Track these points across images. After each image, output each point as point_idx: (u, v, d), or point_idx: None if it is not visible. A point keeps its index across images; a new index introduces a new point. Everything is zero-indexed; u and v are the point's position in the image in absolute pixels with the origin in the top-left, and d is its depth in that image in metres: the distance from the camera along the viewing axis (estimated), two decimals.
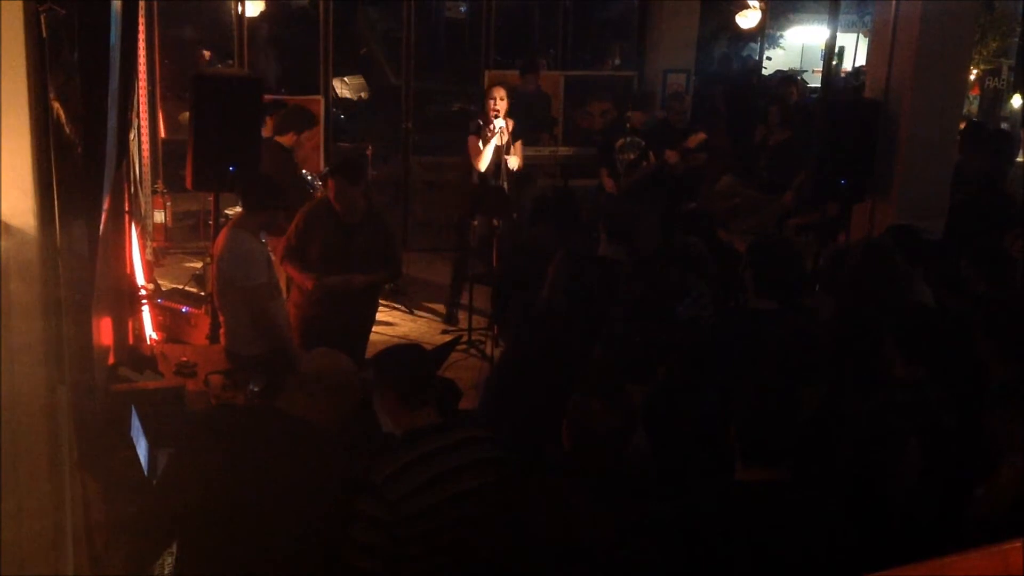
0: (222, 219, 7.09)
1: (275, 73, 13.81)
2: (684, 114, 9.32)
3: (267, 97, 7.62)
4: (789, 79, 11.90)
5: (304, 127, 7.75)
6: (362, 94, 16.00)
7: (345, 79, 15.86)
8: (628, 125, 8.71)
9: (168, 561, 3.52)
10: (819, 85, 14.33)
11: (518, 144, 8.14)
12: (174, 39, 12.74)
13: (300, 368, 3.51)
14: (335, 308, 5.82)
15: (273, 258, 5.73)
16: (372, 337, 6.73)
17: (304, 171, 7.99)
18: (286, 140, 7.56)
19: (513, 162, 8.04)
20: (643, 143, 8.56)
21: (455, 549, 3.32)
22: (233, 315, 5.45)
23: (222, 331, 5.70)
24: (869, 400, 3.85)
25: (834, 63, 13.37)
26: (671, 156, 8.41)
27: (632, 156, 8.54)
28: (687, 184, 8.68)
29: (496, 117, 7.91)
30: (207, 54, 13.08)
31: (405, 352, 3.75)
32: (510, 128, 8.01)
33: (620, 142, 8.64)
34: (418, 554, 3.26)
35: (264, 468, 3.24)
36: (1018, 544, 1.69)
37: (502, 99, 7.99)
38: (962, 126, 8.13)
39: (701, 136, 8.67)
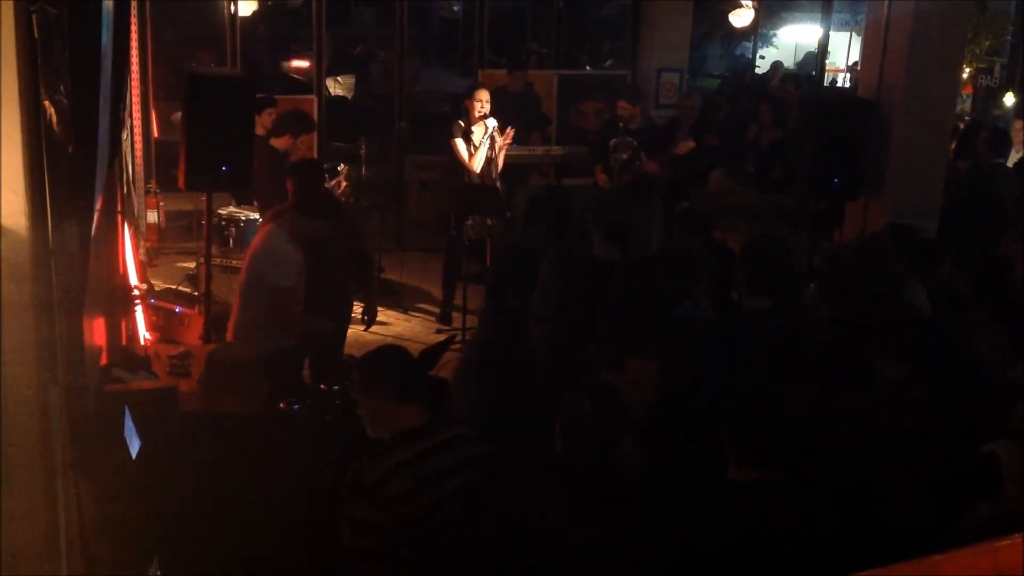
0: (214, 219, 7.06)
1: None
2: (694, 110, 9.27)
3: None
4: (790, 77, 11.67)
5: (300, 131, 7.69)
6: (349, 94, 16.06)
7: (338, 78, 15.85)
8: (617, 113, 8.70)
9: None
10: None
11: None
12: (167, 38, 12.71)
13: (207, 363, 3.55)
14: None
15: None
16: (367, 337, 6.72)
17: None
18: (281, 143, 7.53)
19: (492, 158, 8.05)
20: (635, 142, 8.55)
21: (449, 550, 3.31)
22: (251, 310, 5.38)
23: (231, 324, 5.60)
24: (860, 400, 3.86)
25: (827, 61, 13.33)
26: (651, 167, 8.40)
27: (625, 156, 8.52)
28: (680, 184, 8.66)
29: (483, 119, 7.95)
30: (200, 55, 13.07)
31: (390, 353, 3.69)
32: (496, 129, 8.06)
33: (614, 141, 8.63)
34: (412, 555, 3.24)
35: (226, 473, 3.27)
36: (1008, 542, 1.70)
37: (487, 101, 8.05)
38: (960, 126, 8.10)
39: (690, 144, 8.63)
